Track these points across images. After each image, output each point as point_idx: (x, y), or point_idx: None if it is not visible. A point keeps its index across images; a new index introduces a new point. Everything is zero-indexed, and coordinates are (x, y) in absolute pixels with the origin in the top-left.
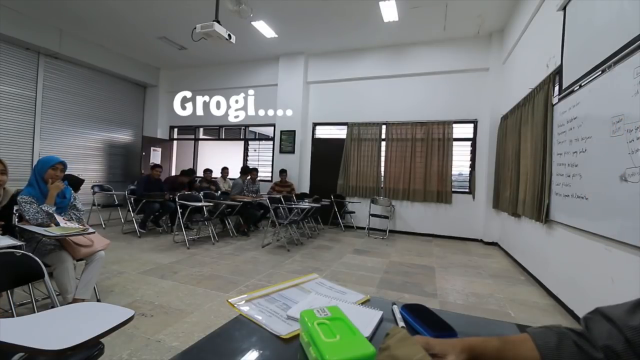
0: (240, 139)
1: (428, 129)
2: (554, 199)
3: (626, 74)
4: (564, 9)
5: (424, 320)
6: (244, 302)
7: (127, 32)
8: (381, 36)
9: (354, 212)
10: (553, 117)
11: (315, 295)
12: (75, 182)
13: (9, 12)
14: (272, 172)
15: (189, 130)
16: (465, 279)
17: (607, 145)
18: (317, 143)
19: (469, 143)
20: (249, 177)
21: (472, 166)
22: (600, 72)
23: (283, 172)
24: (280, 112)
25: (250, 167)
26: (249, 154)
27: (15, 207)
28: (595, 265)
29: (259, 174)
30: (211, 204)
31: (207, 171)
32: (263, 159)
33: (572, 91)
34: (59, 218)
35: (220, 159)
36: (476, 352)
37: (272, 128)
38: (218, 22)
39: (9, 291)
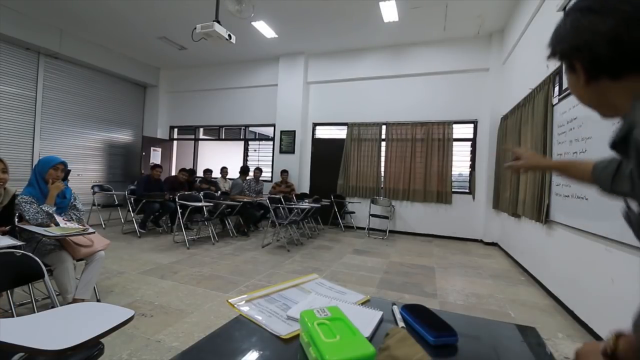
0: (240, 139)
1: (428, 129)
2: (554, 199)
3: None
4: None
5: (424, 320)
6: (244, 302)
7: (127, 32)
8: (381, 36)
9: (353, 212)
10: (553, 117)
11: (315, 296)
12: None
13: (9, 12)
14: (272, 172)
15: (189, 130)
16: (465, 279)
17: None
18: (317, 143)
19: (469, 143)
20: (252, 177)
21: (472, 166)
22: None
23: (284, 172)
24: (280, 112)
25: (254, 167)
26: (249, 154)
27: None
28: (596, 265)
29: None
30: (211, 204)
31: (207, 171)
32: (263, 159)
33: None
34: (58, 218)
35: (220, 159)
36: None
37: (272, 128)
38: (218, 22)
39: (9, 291)
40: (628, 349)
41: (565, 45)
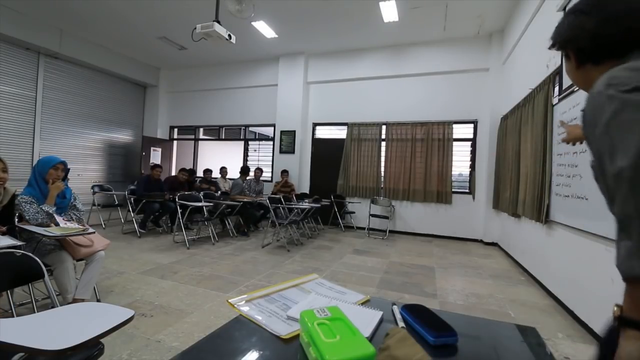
0: (240, 139)
1: (428, 129)
2: (554, 199)
3: None
4: (564, 9)
5: (424, 320)
6: (244, 302)
7: (127, 32)
8: (381, 36)
9: (353, 212)
10: (553, 117)
11: (315, 296)
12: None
13: (9, 12)
14: (272, 172)
15: (189, 130)
16: (465, 279)
17: None
18: (317, 143)
19: (469, 143)
20: (252, 177)
21: (472, 166)
22: None
23: (285, 172)
24: (280, 112)
25: (255, 167)
26: (249, 154)
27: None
28: (596, 265)
29: None
30: (211, 204)
31: (207, 171)
32: (263, 159)
33: (572, 91)
34: (58, 218)
35: (220, 159)
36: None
37: (272, 128)
38: (218, 22)
39: (9, 291)
40: (629, 301)
41: (561, 38)
